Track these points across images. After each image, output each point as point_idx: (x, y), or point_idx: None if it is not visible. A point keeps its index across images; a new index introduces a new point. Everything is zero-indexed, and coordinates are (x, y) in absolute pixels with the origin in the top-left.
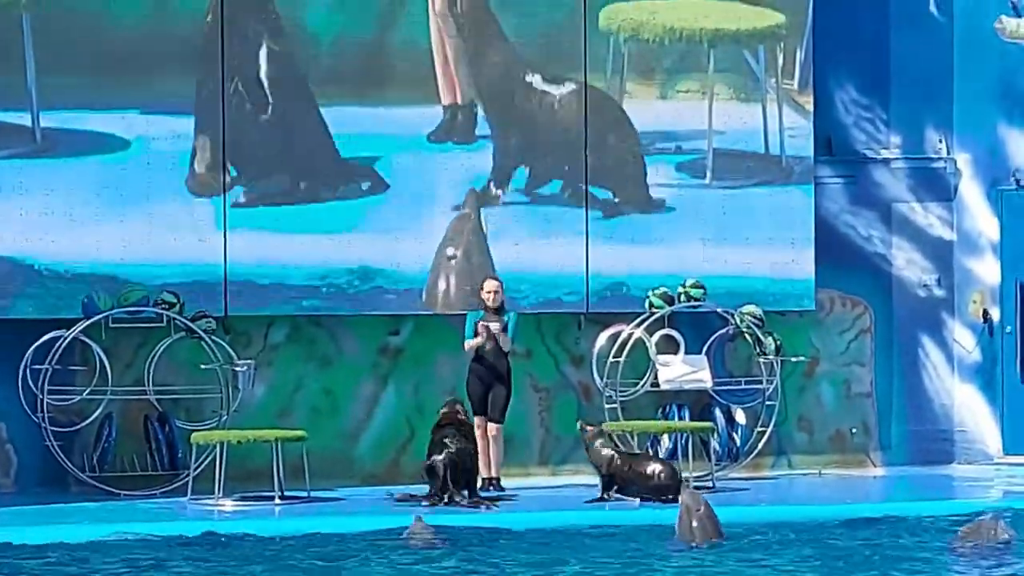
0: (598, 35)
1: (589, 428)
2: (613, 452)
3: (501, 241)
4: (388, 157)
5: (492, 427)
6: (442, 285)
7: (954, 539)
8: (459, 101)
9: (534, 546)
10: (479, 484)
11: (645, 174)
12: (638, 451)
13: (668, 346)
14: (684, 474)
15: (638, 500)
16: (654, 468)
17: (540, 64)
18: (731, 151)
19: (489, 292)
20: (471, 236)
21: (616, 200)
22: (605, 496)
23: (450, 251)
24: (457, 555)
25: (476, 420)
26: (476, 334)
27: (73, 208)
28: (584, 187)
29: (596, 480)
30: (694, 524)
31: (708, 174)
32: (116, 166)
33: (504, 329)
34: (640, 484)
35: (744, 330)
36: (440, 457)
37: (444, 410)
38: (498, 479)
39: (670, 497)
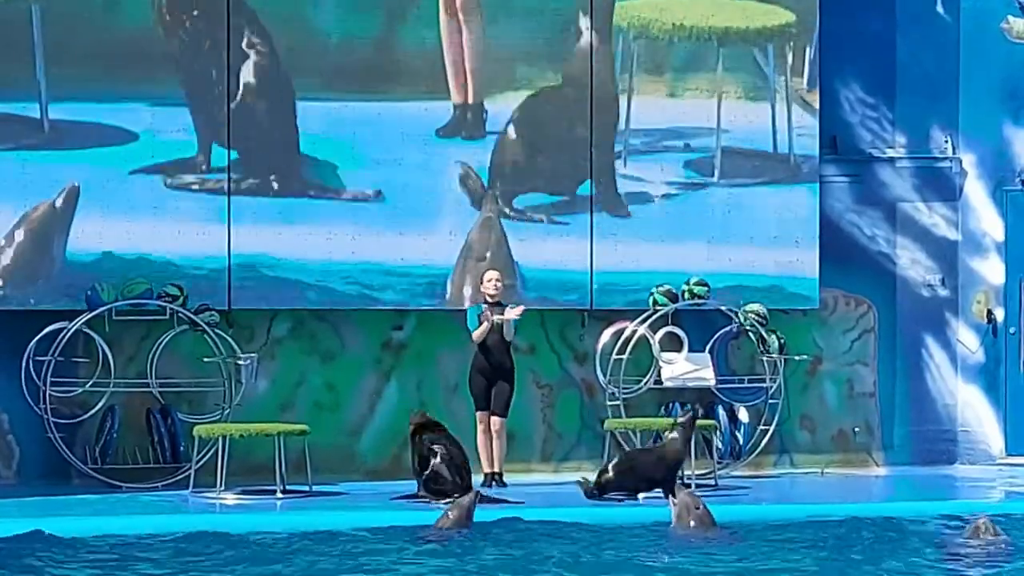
0: (606, 32)
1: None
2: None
3: (509, 238)
4: (396, 152)
5: (496, 421)
6: (468, 287)
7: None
8: (469, 97)
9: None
10: (481, 480)
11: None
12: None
13: (671, 344)
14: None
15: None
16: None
17: (546, 61)
18: (739, 149)
19: (490, 281)
20: (494, 238)
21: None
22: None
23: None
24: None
25: (479, 415)
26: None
27: (79, 200)
28: (590, 184)
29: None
30: (692, 523)
31: (716, 172)
32: (123, 158)
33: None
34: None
35: (748, 328)
36: (438, 460)
37: (416, 420)
38: (501, 474)
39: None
